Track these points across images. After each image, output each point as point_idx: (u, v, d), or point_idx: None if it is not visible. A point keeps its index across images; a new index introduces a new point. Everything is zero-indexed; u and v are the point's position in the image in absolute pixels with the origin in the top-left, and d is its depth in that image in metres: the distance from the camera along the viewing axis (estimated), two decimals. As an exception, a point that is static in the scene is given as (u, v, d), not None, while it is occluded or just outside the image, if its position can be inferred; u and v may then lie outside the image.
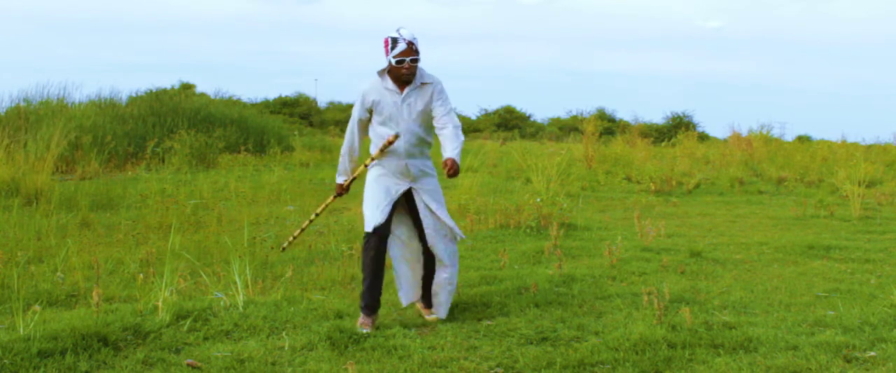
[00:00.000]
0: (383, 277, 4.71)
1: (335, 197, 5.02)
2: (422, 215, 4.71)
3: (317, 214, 5.13)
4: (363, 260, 4.66)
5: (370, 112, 4.71)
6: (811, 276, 6.18)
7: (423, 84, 4.67)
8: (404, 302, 4.86)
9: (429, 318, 4.79)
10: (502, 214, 8.46)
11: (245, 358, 3.97)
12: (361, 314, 4.63)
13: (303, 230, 5.14)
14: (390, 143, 4.60)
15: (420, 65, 4.64)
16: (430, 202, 4.73)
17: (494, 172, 15.00)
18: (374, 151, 4.74)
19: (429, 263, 4.83)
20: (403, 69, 4.55)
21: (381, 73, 4.67)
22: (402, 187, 4.70)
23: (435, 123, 4.71)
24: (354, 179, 4.90)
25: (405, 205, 4.80)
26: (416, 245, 4.83)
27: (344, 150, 4.88)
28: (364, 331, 4.45)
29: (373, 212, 4.63)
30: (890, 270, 6.43)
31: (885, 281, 5.92)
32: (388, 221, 4.67)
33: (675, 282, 5.83)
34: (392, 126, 4.64)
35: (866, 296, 5.42)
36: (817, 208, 10.23)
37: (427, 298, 4.88)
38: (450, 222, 4.76)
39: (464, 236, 4.96)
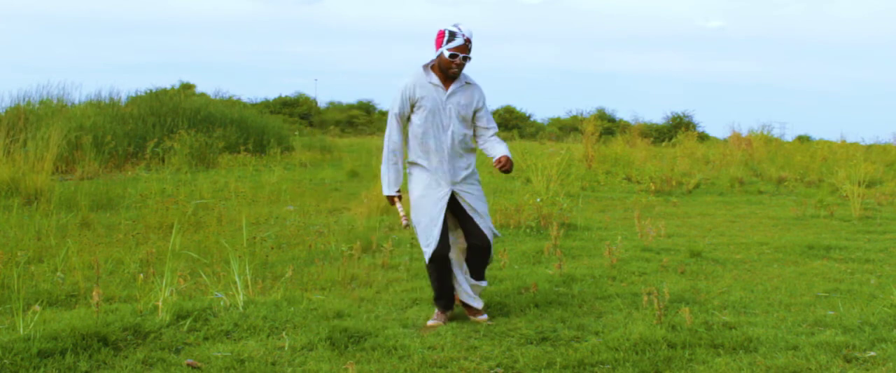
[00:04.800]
0: (452, 281, 4.76)
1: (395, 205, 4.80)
2: (469, 213, 4.68)
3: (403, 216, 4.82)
4: (430, 276, 4.75)
5: (412, 106, 4.63)
6: (811, 276, 6.18)
7: (467, 83, 4.69)
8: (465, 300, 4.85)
9: (481, 319, 4.74)
10: (502, 214, 8.46)
11: (245, 358, 3.97)
12: (436, 312, 4.77)
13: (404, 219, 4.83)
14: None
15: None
16: (476, 204, 4.68)
17: (494, 172, 14.99)
18: (412, 155, 4.69)
19: (471, 259, 4.77)
20: (455, 63, 4.54)
21: (425, 67, 4.65)
22: (447, 193, 4.62)
23: (478, 133, 4.75)
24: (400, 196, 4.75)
25: (449, 207, 4.71)
26: (462, 244, 4.80)
27: (387, 154, 4.66)
28: (433, 323, 4.65)
29: (428, 239, 4.59)
30: (890, 270, 6.42)
31: (885, 281, 5.92)
32: (445, 238, 4.62)
33: (675, 282, 5.83)
34: (434, 121, 4.60)
35: (866, 296, 5.41)
36: (817, 208, 10.23)
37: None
38: (490, 224, 4.76)
39: (499, 234, 4.94)
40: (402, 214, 4.68)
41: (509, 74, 71.83)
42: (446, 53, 4.52)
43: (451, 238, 4.75)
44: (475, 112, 4.71)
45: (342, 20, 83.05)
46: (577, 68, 75.17)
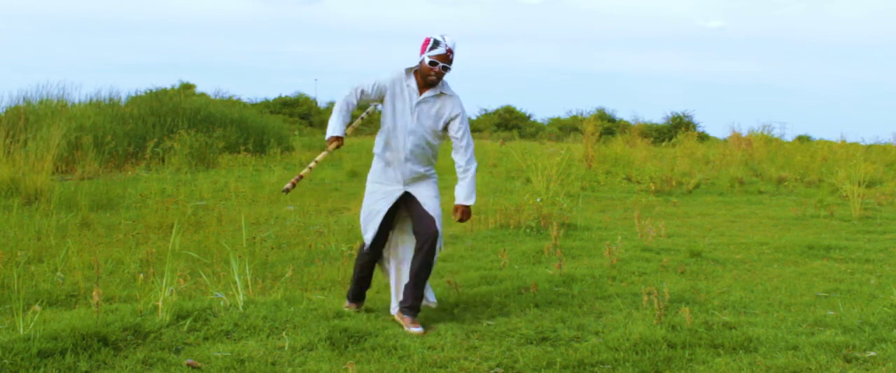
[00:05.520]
0: (371, 280, 4.97)
1: (333, 149, 4.71)
2: (418, 200, 4.72)
3: (317, 162, 4.77)
4: (355, 263, 4.93)
5: (381, 97, 4.69)
6: (811, 276, 6.18)
7: (441, 94, 4.72)
8: (393, 311, 4.80)
9: (413, 329, 4.55)
10: (502, 214, 8.46)
11: (245, 358, 3.97)
12: (347, 300, 5.01)
13: (301, 177, 4.74)
14: (329, 146, 4.58)
15: (445, 78, 4.72)
16: (426, 197, 4.72)
17: (494, 172, 15.01)
18: (376, 147, 4.80)
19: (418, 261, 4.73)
20: (433, 71, 4.61)
21: (408, 70, 4.73)
22: (397, 193, 4.74)
23: (455, 155, 4.74)
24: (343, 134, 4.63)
25: (402, 206, 4.81)
26: (411, 243, 4.81)
27: (339, 106, 4.64)
28: (347, 307, 4.91)
29: (368, 227, 4.76)
30: (890, 270, 6.43)
31: (885, 281, 5.92)
32: (383, 233, 4.78)
33: (675, 282, 5.83)
34: (399, 123, 4.68)
35: (866, 296, 5.42)
36: (817, 208, 10.23)
37: (409, 304, 4.70)
38: (438, 224, 4.72)
39: (441, 247, 4.86)
40: (326, 153, 4.66)
41: (509, 74, 71.90)
42: (427, 60, 4.61)
43: (399, 241, 4.85)
44: (448, 122, 4.74)
45: (342, 20, 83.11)
46: (577, 68, 75.24)
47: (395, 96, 4.70)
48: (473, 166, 4.75)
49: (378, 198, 4.75)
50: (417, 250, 4.72)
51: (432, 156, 4.80)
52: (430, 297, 4.88)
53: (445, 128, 4.76)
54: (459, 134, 4.72)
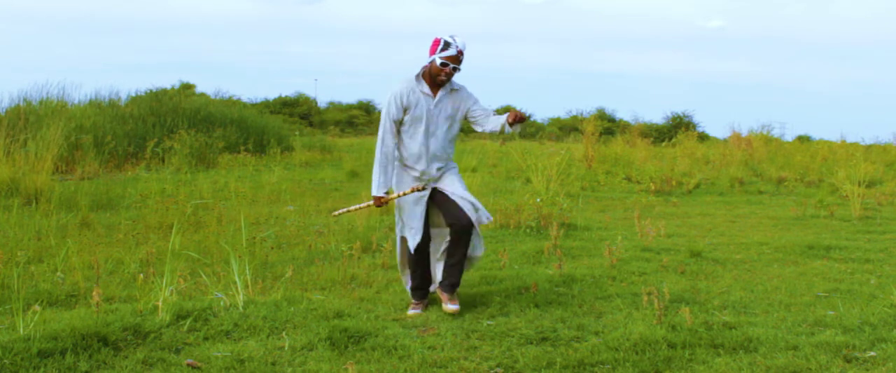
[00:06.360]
0: (429, 269, 5.02)
1: (375, 205, 4.98)
2: (449, 195, 4.87)
3: (358, 208, 5.14)
4: (409, 266, 5.00)
5: (405, 111, 4.82)
6: (811, 276, 6.18)
7: (453, 90, 4.90)
8: (432, 288, 5.06)
9: (451, 307, 4.81)
10: (502, 214, 8.46)
11: (245, 358, 3.97)
12: (412, 301, 5.01)
13: (349, 210, 5.17)
14: (416, 190, 4.79)
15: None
16: (453, 186, 4.88)
17: (494, 172, 15.00)
18: (399, 156, 4.94)
19: (452, 247, 4.91)
20: (444, 72, 4.75)
21: (417, 76, 4.85)
22: (426, 193, 4.90)
23: (476, 118, 4.93)
24: (394, 195, 4.89)
25: (431, 199, 4.98)
26: (445, 234, 5.01)
27: (379, 158, 4.84)
28: (413, 312, 4.88)
29: (411, 230, 4.87)
30: (890, 270, 6.42)
31: (885, 281, 5.92)
32: (426, 232, 4.90)
33: (675, 282, 5.83)
34: (421, 128, 4.81)
35: (866, 296, 5.42)
36: (817, 208, 10.23)
37: (450, 281, 4.92)
38: (474, 200, 4.89)
39: (491, 218, 5.03)
40: (401, 194, 4.84)
41: (509, 74, 71.89)
42: (438, 61, 4.74)
43: (435, 232, 5.03)
44: (468, 110, 4.95)
45: (342, 20, 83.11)
46: (577, 68, 75.22)
47: (413, 105, 4.83)
48: (491, 110, 4.97)
49: (413, 202, 4.87)
50: (454, 242, 4.86)
51: (452, 147, 5.00)
52: (479, 248, 5.04)
53: (463, 117, 4.98)
54: (484, 108, 4.95)
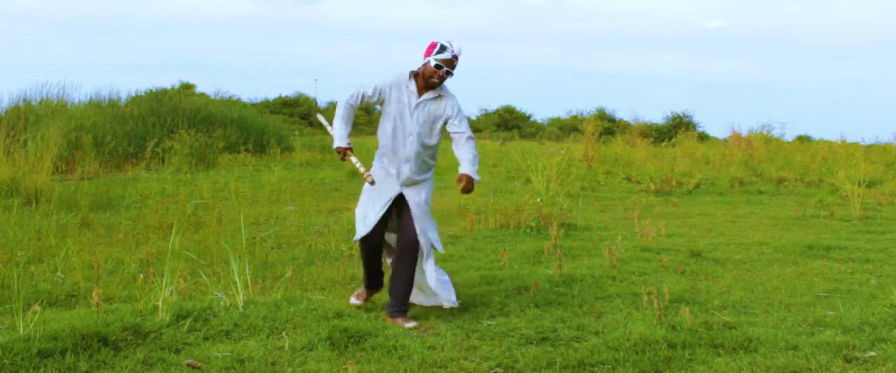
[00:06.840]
0: (380, 266, 4.97)
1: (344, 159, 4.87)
2: (412, 214, 4.78)
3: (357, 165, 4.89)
4: (361, 257, 4.99)
5: (381, 99, 4.79)
6: (811, 276, 6.18)
7: (440, 96, 4.82)
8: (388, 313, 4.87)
9: (407, 325, 4.61)
10: (502, 214, 8.46)
11: (245, 358, 3.97)
12: (362, 287, 5.05)
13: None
14: (366, 179, 4.71)
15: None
16: (416, 206, 4.78)
17: (494, 172, 15.00)
18: (378, 151, 4.88)
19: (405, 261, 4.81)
20: (437, 75, 4.72)
21: (411, 74, 4.81)
22: (393, 193, 4.80)
23: (451, 134, 4.85)
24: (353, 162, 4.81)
25: (396, 207, 4.88)
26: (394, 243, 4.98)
27: (340, 111, 4.79)
28: (354, 301, 4.99)
29: (360, 223, 4.84)
30: (890, 270, 6.42)
31: (885, 281, 5.92)
32: (379, 229, 4.83)
33: (675, 282, 5.83)
34: (398, 125, 4.76)
35: (866, 296, 5.42)
36: (817, 208, 10.24)
37: (395, 308, 4.77)
38: (432, 235, 4.80)
39: (442, 250, 4.97)
40: (359, 167, 4.76)
41: (509, 74, 71.87)
42: (432, 63, 4.72)
43: (391, 236, 5.00)
44: (446, 121, 4.84)
45: (342, 20, 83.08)
46: (577, 68, 75.17)
47: (395, 99, 4.78)
48: (477, 155, 4.84)
49: (374, 198, 4.81)
50: (399, 255, 4.82)
51: (431, 156, 4.87)
52: (452, 297, 4.88)
53: (443, 127, 4.86)
54: (461, 128, 4.82)
